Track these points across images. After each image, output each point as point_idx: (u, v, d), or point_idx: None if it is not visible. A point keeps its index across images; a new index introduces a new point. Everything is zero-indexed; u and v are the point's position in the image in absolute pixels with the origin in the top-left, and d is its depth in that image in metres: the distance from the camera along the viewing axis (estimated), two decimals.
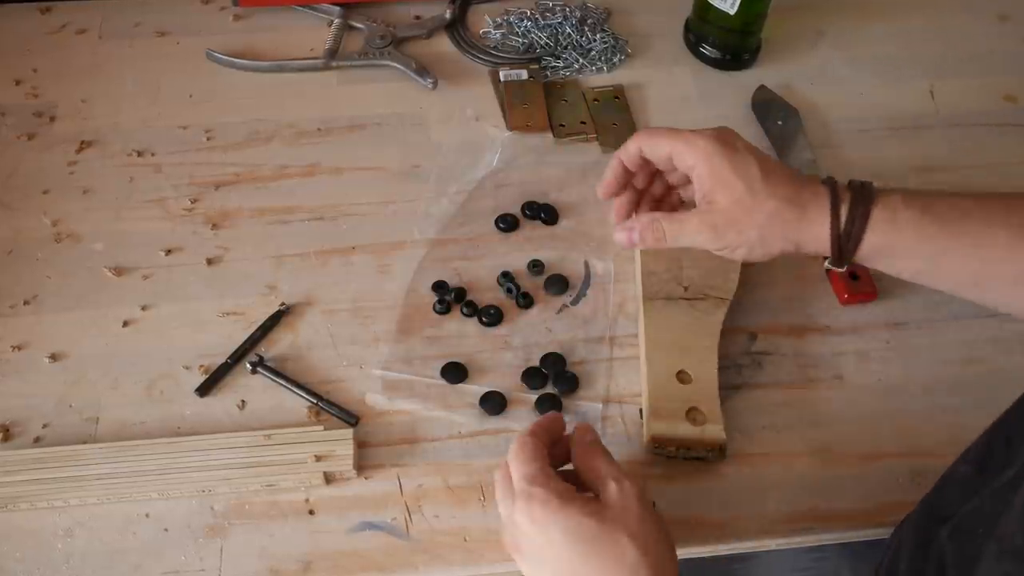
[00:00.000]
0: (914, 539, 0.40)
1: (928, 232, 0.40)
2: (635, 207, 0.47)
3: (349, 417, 0.48)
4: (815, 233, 0.41)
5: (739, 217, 0.41)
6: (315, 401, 0.48)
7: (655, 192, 0.48)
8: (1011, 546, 0.31)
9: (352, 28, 0.67)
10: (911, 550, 0.39)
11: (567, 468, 0.40)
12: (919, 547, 0.39)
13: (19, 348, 0.51)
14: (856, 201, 0.40)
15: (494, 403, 0.49)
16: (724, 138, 0.42)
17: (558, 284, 0.54)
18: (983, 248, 0.39)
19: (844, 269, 0.42)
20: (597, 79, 0.65)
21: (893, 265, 0.42)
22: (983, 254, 0.39)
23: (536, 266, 0.54)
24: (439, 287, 0.53)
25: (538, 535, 0.36)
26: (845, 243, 0.40)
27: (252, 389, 0.49)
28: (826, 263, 0.42)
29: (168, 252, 0.55)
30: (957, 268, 0.40)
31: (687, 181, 0.45)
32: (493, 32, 0.68)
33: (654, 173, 0.47)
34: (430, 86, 0.63)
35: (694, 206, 0.44)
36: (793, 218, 0.41)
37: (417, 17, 0.68)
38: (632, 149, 0.45)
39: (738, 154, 0.42)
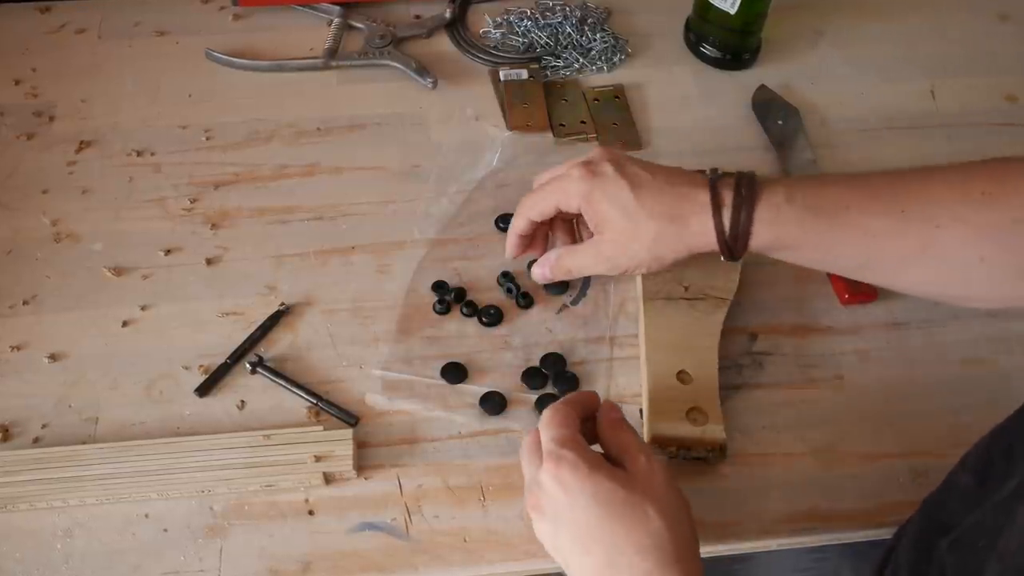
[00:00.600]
0: (915, 548, 0.40)
1: (812, 227, 0.42)
2: (534, 241, 0.50)
3: (349, 417, 0.48)
4: (702, 240, 0.43)
5: (625, 243, 0.44)
6: (315, 401, 0.48)
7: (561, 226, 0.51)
8: (1014, 563, 0.31)
9: (352, 28, 0.67)
10: (912, 560, 0.39)
11: (595, 448, 0.41)
12: (920, 558, 0.38)
13: (18, 348, 0.50)
14: (738, 205, 0.42)
15: (494, 403, 0.49)
16: (594, 169, 0.44)
17: (558, 284, 0.54)
18: (866, 236, 0.41)
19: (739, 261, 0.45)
20: (597, 79, 0.65)
21: (786, 257, 0.44)
22: (867, 242, 0.41)
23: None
24: (439, 287, 0.53)
25: (563, 496, 0.36)
26: (732, 246, 0.43)
27: (252, 389, 0.49)
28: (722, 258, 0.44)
29: (167, 252, 0.55)
30: (844, 256, 0.42)
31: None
32: (493, 32, 0.68)
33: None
34: (430, 86, 0.63)
35: None
36: (675, 233, 0.43)
37: (417, 17, 0.68)
38: (521, 224, 0.48)
39: (608, 182, 0.43)
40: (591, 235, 0.46)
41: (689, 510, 0.38)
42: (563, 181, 0.45)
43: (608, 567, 0.36)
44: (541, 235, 0.51)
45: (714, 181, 0.43)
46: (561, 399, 0.41)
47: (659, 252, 0.44)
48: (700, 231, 0.42)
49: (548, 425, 0.39)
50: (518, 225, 0.49)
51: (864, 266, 0.43)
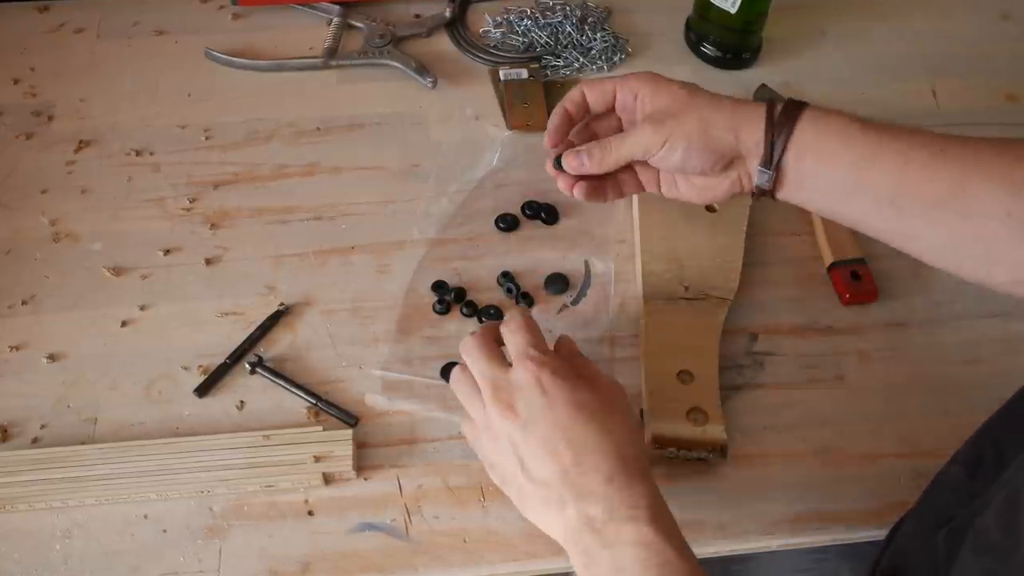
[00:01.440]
0: (914, 545, 0.40)
1: (854, 137, 0.41)
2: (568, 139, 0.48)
3: (348, 418, 0.48)
4: (751, 125, 0.42)
5: (678, 109, 0.43)
6: (314, 402, 0.48)
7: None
8: (988, 541, 0.31)
9: (351, 27, 0.67)
10: (909, 551, 0.39)
11: None
12: (917, 549, 0.39)
13: (17, 348, 0.50)
14: (790, 103, 0.43)
15: None
16: (656, 73, 0.46)
17: (558, 284, 0.54)
18: (905, 164, 0.40)
19: (772, 183, 0.43)
20: (598, 78, 0.65)
21: (816, 175, 0.42)
22: (904, 170, 0.40)
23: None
24: (439, 287, 0.53)
25: (540, 399, 0.38)
26: (777, 134, 0.42)
27: (251, 389, 0.49)
28: (757, 174, 0.43)
29: (167, 252, 0.55)
30: (876, 181, 0.41)
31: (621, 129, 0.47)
32: (493, 31, 0.67)
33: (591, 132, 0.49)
34: (430, 85, 0.63)
35: None
36: (731, 108, 0.43)
37: (417, 16, 0.68)
38: (576, 95, 0.47)
39: (666, 78, 0.45)
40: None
41: (641, 431, 0.41)
42: (628, 75, 0.46)
43: (573, 466, 0.37)
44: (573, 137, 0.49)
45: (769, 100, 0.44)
46: (517, 312, 0.42)
47: (709, 124, 0.43)
48: (751, 116, 0.42)
49: (520, 330, 0.41)
50: (574, 96, 0.47)
51: (893, 200, 0.41)
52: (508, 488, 0.40)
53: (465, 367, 0.42)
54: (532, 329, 0.41)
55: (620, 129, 0.48)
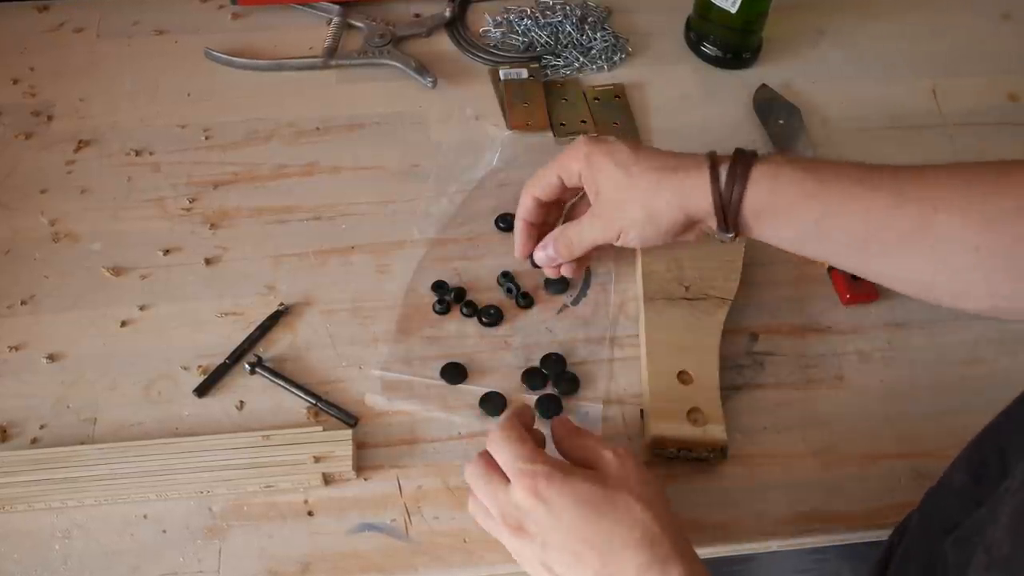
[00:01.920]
0: (919, 547, 0.40)
1: (811, 191, 0.40)
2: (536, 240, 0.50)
3: (348, 418, 0.48)
4: (697, 197, 0.42)
5: (621, 199, 0.43)
6: (314, 402, 0.48)
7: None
8: (999, 555, 0.31)
9: (351, 27, 0.67)
10: (917, 558, 0.39)
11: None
12: (925, 556, 0.38)
13: (16, 348, 0.50)
14: (736, 162, 0.41)
15: (494, 404, 0.48)
16: (594, 140, 0.45)
17: (558, 284, 0.53)
18: (866, 212, 0.39)
19: (733, 237, 0.43)
20: (598, 78, 0.65)
21: (777, 229, 0.42)
22: (866, 216, 0.39)
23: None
24: (439, 287, 0.53)
25: (544, 511, 0.36)
26: (727, 202, 0.41)
27: (251, 390, 0.49)
28: (716, 234, 0.43)
29: (166, 252, 0.55)
30: (842, 230, 0.40)
31: (586, 206, 0.47)
32: (493, 31, 0.67)
33: (554, 216, 0.51)
34: (430, 85, 0.63)
35: None
36: (672, 185, 0.42)
37: (416, 15, 0.68)
38: (528, 203, 0.48)
39: (610, 144, 0.45)
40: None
41: (663, 490, 0.39)
42: (565, 152, 0.46)
43: (603, 568, 0.36)
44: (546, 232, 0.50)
45: (712, 152, 0.43)
46: (502, 420, 0.40)
47: (654, 209, 0.42)
48: (696, 187, 0.41)
49: (504, 444, 0.38)
50: (525, 205, 0.48)
51: (861, 246, 0.40)
52: None
53: (483, 458, 0.40)
54: (514, 439, 0.39)
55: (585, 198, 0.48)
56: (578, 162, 0.45)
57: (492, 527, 0.40)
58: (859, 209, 0.40)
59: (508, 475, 0.38)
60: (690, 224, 0.44)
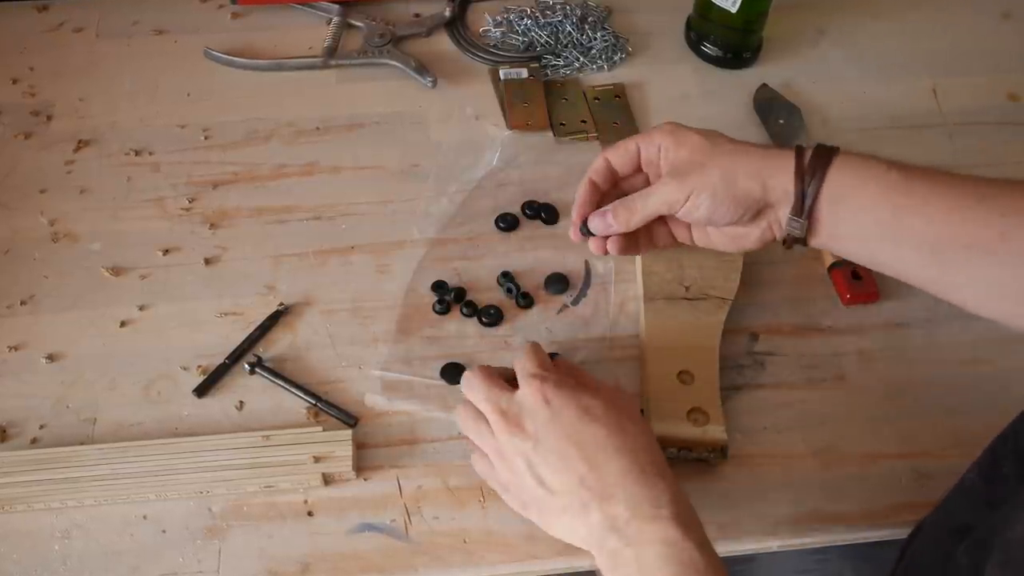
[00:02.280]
0: (931, 552, 0.40)
1: (893, 182, 0.39)
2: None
3: (348, 418, 0.48)
4: (779, 174, 0.41)
5: (700, 160, 0.42)
6: (314, 402, 0.48)
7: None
8: (1018, 556, 0.30)
9: (351, 26, 0.67)
10: (929, 561, 0.39)
11: None
12: (937, 559, 0.38)
13: (16, 348, 0.50)
14: (820, 148, 0.41)
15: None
16: (680, 124, 0.45)
17: (558, 284, 0.53)
18: (949, 211, 0.38)
19: (804, 231, 0.41)
20: (598, 78, 0.65)
21: (853, 220, 0.40)
22: (948, 217, 0.38)
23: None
24: (439, 287, 0.53)
25: (546, 410, 0.39)
26: (808, 182, 0.40)
27: (250, 390, 0.49)
28: (787, 223, 0.41)
29: (166, 252, 0.54)
30: (919, 227, 0.39)
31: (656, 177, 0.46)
32: (493, 30, 0.67)
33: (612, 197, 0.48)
34: (429, 85, 0.63)
35: None
36: (755, 158, 0.42)
37: (416, 15, 0.68)
38: (600, 163, 0.46)
39: (692, 127, 0.44)
40: None
41: (651, 434, 0.40)
42: (651, 129, 0.45)
43: (590, 471, 0.37)
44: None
45: (798, 145, 0.42)
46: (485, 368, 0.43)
47: (733, 176, 0.41)
48: (779, 167, 0.40)
49: (525, 355, 0.42)
50: (596, 166, 0.46)
51: (935, 249, 0.39)
52: (529, 510, 0.40)
53: (468, 403, 0.42)
54: (537, 351, 0.42)
55: (647, 185, 0.46)
56: (662, 135, 0.44)
57: (481, 434, 0.41)
58: (941, 207, 0.38)
59: (520, 381, 0.40)
60: (763, 207, 0.42)
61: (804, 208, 0.40)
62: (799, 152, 0.41)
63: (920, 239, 0.39)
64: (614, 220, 0.45)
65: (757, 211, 0.42)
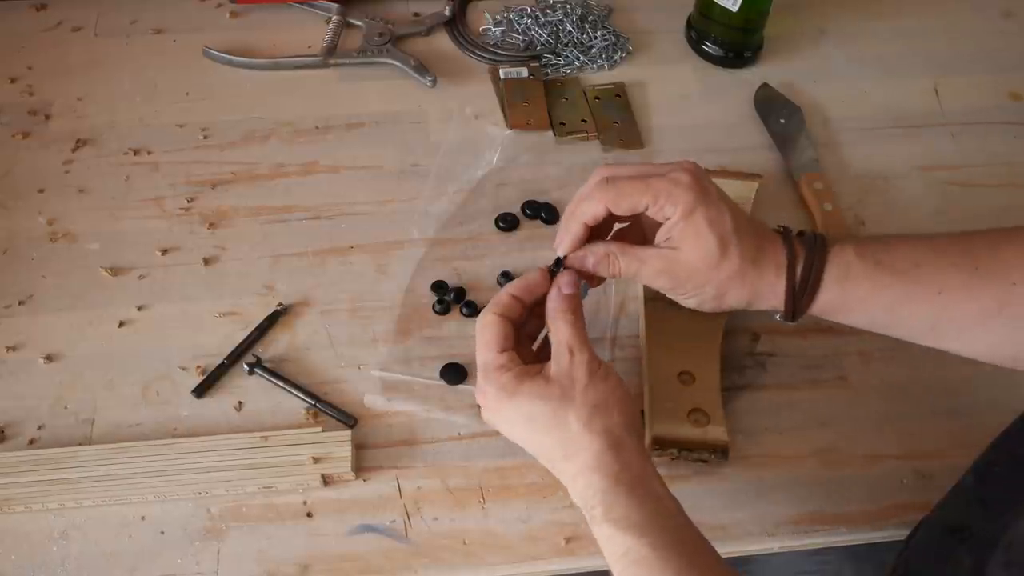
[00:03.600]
0: (930, 553, 0.40)
1: (883, 283, 0.40)
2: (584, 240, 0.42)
3: (347, 418, 0.48)
4: (769, 293, 0.41)
5: (702, 271, 0.40)
6: (313, 402, 0.48)
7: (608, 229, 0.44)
8: (1021, 557, 0.30)
9: (350, 25, 0.67)
10: (928, 558, 0.39)
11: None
12: (935, 557, 0.38)
13: (14, 349, 0.50)
14: (810, 260, 0.40)
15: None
16: (702, 187, 0.40)
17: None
18: (938, 294, 0.39)
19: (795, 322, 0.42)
20: (598, 77, 0.65)
21: (848, 317, 0.42)
22: (938, 299, 0.39)
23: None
24: (438, 287, 0.53)
25: (498, 417, 0.40)
26: (799, 302, 0.41)
27: (249, 390, 0.49)
28: (777, 317, 0.42)
29: (164, 252, 0.54)
30: (914, 315, 0.40)
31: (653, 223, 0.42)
32: (493, 29, 0.67)
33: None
34: (429, 84, 0.63)
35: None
36: (753, 278, 0.41)
37: (416, 14, 0.68)
38: (598, 210, 0.40)
39: (713, 206, 0.40)
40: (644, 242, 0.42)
41: (619, 395, 0.39)
42: (669, 183, 0.40)
43: (554, 472, 0.39)
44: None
45: (787, 234, 0.42)
46: (497, 301, 0.40)
47: (726, 293, 0.41)
48: (772, 282, 0.41)
49: (477, 345, 0.40)
50: (595, 211, 0.40)
51: (934, 327, 0.40)
52: None
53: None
54: (482, 345, 0.40)
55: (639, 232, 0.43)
56: (679, 208, 0.39)
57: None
58: (932, 295, 0.39)
59: (478, 369, 0.40)
60: (744, 308, 0.42)
61: (794, 319, 0.42)
62: (790, 273, 0.40)
63: (914, 325, 0.41)
64: (600, 270, 0.42)
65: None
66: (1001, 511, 0.35)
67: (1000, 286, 0.38)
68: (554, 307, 0.40)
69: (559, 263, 0.42)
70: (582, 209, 0.41)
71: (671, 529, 0.36)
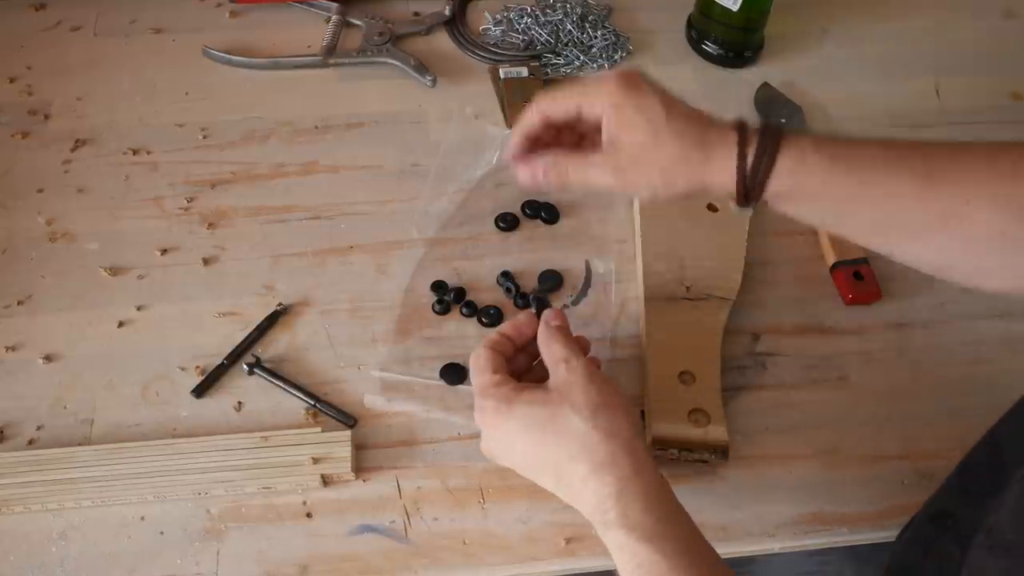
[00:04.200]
0: (918, 543, 0.40)
1: (835, 179, 0.39)
2: (536, 148, 0.44)
3: (347, 419, 0.48)
4: (720, 176, 0.40)
5: (642, 158, 0.40)
6: (313, 403, 0.48)
7: (565, 143, 0.45)
8: (1003, 540, 0.31)
9: (350, 25, 0.67)
10: (925, 559, 0.39)
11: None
12: (932, 556, 0.38)
13: (13, 349, 0.50)
14: (763, 145, 0.40)
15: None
16: (630, 80, 0.41)
17: (550, 280, 0.53)
18: (889, 196, 0.39)
19: (750, 208, 0.41)
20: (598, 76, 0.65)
21: (798, 209, 0.41)
22: (887, 202, 0.39)
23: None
24: (438, 287, 0.53)
25: (497, 436, 0.40)
26: (750, 187, 0.40)
27: (249, 390, 0.49)
28: (731, 205, 0.41)
29: (164, 252, 0.54)
30: (862, 215, 0.40)
31: (597, 131, 0.43)
32: (493, 29, 0.67)
33: (562, 128, 0.45)
34: (429, 83, 0.63)
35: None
36: (697, 160, 0.40)
37: (416, 14, 0.68)
38: (533, 118, 0.43)
39: (643, 96, 0.41)
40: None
41: (617, 397, 0.39)
42: (594, 83, 0.42)
43: (558, 482, 0.38)
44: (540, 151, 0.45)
45: (742, 123, 0.41)
46: (487, 340, 0.42)
47: (673, 177, 0.40)
48: (721, 165, 0.40)
49: (472, 374, 0.41)
50: (529, 119, 0.43)
51: (878, 228, 0.40)
52: None
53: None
54: (478, 368, 0.41)
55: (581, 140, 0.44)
56: (605, 103, 0.41)
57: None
58: (883, 197, 0.39)
59: (475, 407, 0.41)
60: (703, 194, 0.42)
61: (747, 204, 0.41)
62: (741, 153, 0.40)
63: (862, 224, 0.40)
64: (545, 182, 0.43)
65: (698, 196, 0.42)
66: (981, 497, 0.35)
67: (951, 201, 0.37)
68: (544, 335, 0.41)
69: (541, 303, 0.45)
70: (521, 120, 0.43)
71: (684, 539, 0.36)
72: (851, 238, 0.42)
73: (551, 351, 0.40)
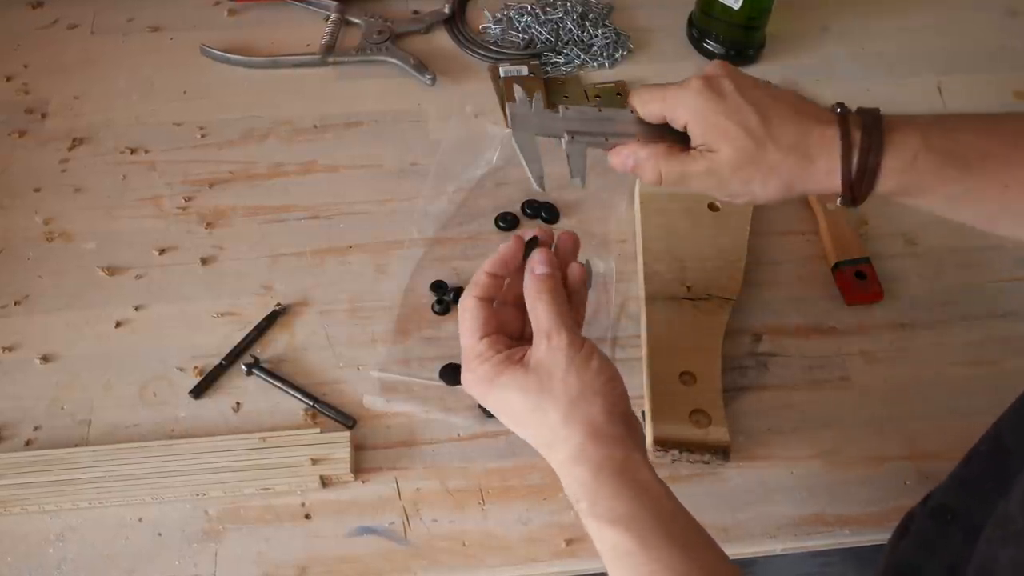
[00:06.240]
0: (920, 536, 0.40)
1: (949, 176, 0.39)
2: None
3: (346, 419, 0.47)
4: (826, 180, 0.40)
5: (743, 167, 0.39)
6: (311, 403, 0.48)
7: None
8: (1013, 529, 0.31)
9: (349, 23, 0.66)
10: (933, 550, 0.39)
11: None
12: (941, 546, 0.38)
13: (10, 349, 0.50)
14: (866, 148, 0.39)
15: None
16: (713, 87, 0.40)
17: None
18: (1005, 187, 0.38)
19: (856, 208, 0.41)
20: (599, 75, 0.64)
21: (908, 202, 0.41)
22: (1004, 193, 0.39)
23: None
24: (438, 287, 0.53)
25: (484, 401, 0.40)
26: (857, 192, 0.39)
27: (247, 391, 0.48)
28: (838, 202, 0.40)
29: (162, 251, 0.54)
30: (977, 207, 0.40)
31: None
32: (493, 27, 0.67)
33: None
34: (428, 82, 0.62)
35: None
36: (800, 169, 0.39)
37: (415, 12, 0.67)
38: (629, 110, 0.42)
39: (730, 103, 0.39)
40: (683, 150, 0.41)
41: (603, 378, 0.38)
42: (678, 90, 0.40)
43: (547, 456, 0.39)
44: None
45: (844, 115, 0.40)
46: (479, 271, 0.40)
47: (775, 182, 0.39)
48: (826, 171, 0.39)
49: (460, 331, 0.40)
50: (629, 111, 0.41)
51: (995, 218, 0.40)
52: None
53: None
54: (463, 332, 0.40)
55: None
56: (689, 113, 0.40)
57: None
58: (997, 189, 0.38)
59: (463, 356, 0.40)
60: (807, 195, 0.42)
61: (856, 204, 0.40)
62: (846, 157, 0.39)
63: (981, 211, 0.40)
64: (640, 174, 0.42)
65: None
66: (986, 490, 0.35)
67: None
68: (529, 290, 0.40)
69: (534, 241, 0.41)
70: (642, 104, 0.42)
71: (658, 519, 0.35)
72: (968, 222, 0.41)
73: (536, 316, 0.39)
